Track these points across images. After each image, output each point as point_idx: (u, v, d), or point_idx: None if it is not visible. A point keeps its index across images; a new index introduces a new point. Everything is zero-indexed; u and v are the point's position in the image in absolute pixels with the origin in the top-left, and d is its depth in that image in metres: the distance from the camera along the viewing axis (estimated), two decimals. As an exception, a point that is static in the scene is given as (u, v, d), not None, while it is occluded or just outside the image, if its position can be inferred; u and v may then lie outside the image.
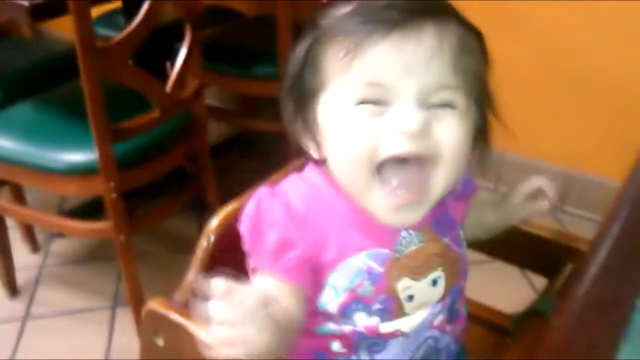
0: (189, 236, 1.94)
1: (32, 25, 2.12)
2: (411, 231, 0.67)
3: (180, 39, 1.52)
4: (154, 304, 0.68)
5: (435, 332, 0.71)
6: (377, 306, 0.66)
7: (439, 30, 0.60)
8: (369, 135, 0.60)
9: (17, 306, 1.72)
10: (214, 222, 0.73)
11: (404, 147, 0.60)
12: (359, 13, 0.62)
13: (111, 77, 1.31)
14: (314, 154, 0.67)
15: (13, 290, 1.75)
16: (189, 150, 1.62)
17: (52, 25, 2.23)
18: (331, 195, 0.66)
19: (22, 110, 1.57)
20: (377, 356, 0.70)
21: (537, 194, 0.78)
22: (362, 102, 0.61)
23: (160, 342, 0.68)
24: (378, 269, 0.65)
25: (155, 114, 1.42)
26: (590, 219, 1.88)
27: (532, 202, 0.79)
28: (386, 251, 0.66)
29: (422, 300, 0.68)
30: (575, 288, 0.63)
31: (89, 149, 1.37)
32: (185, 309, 0.68)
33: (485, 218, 0.81)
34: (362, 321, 0.67)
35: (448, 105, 0.62)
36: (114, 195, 1.39)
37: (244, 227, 0.66)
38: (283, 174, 0.73)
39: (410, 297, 0.67)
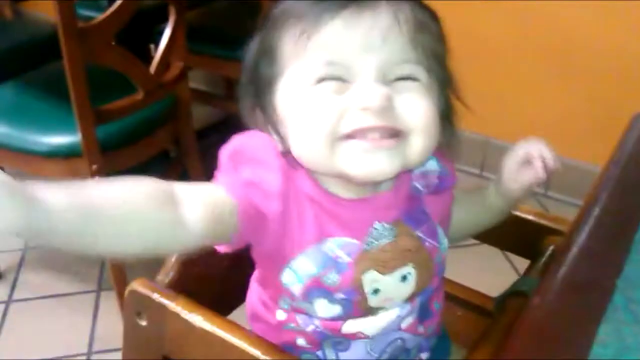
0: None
1: (12, 5, 2.10)
2: (385, 224, 0.65)
3: (163, 21, 1.51)
4: (137, 285, 0.68)
5: (404, 334, 0.70)
6: (340, 296, 0.64)
7: (394, 7, 0.59)
8: (331, 110, 0.58)
9: (0, 290, 1.71)
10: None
11: (368, 122, 0.58)
12: None
13: (94, 59, 1.30)
14: (278, 145, 0.64)
15: (-4, 274, 1.74)
16: (173, 133, 1.61)
17: (33, 5, 2.21)
18: (305, 182, 0.64)
19: (4, 92, 1.56)
20: (342, 355, 0.69)
21: (528, 162, 0.72)
22: (322, 80, 0.59)
23: (143, 322, 0.68)
24: (346, 258, 0.64)
25: (138, 96, 1.42)
26: (573, 204, 1.90)
27: (524, 172, 0.72)
28: (356, 242, 0.64)
29: (389, 296, 0.66)
30: (556, 268, 0.63)
31: (72, 132, 1.36)
32: (167, 290, 0.68)
33: (489, 202, 0.77)
34: (323, 309, 0.65)
35: (410, 78, 0.60)
36: (97, 179, 1.39)
37: (225, 151, 0.63)
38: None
39: (376, 291, 0.65)
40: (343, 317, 0.66)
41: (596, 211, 0.71)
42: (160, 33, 1.51)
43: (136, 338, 0.71)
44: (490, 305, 0.85)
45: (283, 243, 0.63)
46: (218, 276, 0.74)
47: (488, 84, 1.85)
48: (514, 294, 0.76)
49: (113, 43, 1.37)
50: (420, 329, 0.71)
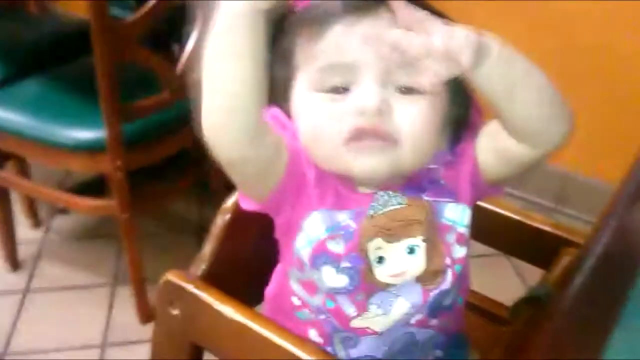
0: (188, 218, 1.98)
1: (39, 2, 2.13)
2: (389, 192, 0.67)
3: (187, 23, 1.54)
4: (171, 275, 0.71)
5: (413, 329, 0.71)
6: (345, 264, 0.66)
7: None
8: (332, 117, 0.63)
9: (18, 280, 1.74)
10: (231, 201, 0.76)
11: (362, 122, 0.61)
12: (322, 3, 0.65)
13: (124, 57, 1.33)
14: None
15: (14, 264, 1.77)
16: (196, 133, 1.64)
17: (60, 2, 2.25)
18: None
19: (33, 85, 1.59)
20: (352, 351, 0.71)
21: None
22: (325, 85, 0.63)
23: (175, 311, 0.71)
24: (353, 226, 0.66)
25: (165, 95, 1.45)
26: (587, 221, 1.91)
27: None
28: (362, 208, 0.66)
29: (396, 268, 0.67)
30: (572, 278, 0.66)
31: (97, 127, 1.39)
32: (200, 281, 0.71)
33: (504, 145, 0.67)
34: (331, 278, 0.66)
35: (414, 88, 0.62)
36: (120, 174, 1.42)
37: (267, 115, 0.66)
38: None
39: (380, 259, 0.66)
40: (352, 291, 0.67)
41: (613, 223, 0.73)
42: (186, 33, 1.54)
43: (167, 326, 0.74)
44: (504, 313, 0.88)
45: (303, 205, 0.66)
46: (248, 268, 0.77)
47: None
48: (529, 301, 0.79)
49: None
50: (433, 322, 0.72)
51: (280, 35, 0.67)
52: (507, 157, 0.67)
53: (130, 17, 1.33)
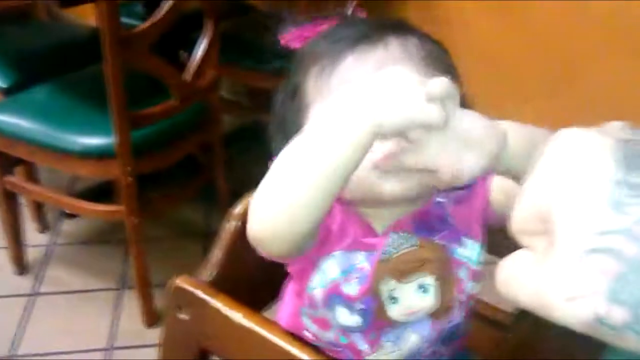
0: (195, 223, 1.99)
1: (48, 9, 2.16)
2: (401, 233, 0.66)
3: (195, 29, 1.57)
4: (181, 281, 0.72)
5: (423, 359, 0.71)
6: (359, 306, 0.66)
7: (403, 42, 0.63)
8: None
9: (25, 283, 1.76)
10: (239, 207, 0.77)
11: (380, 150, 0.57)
12: (328, 35, 0.65)
13: (134, 65, 1.35)
14: None
15: (22, 267, 1.79)
16: (202, 139, 1.66)
17: (71, 10, 2.27)
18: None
19: (43, 92, 1.61)
20: None
21: None
22: None
23: (184, 316, 0.73)
24: (367, 268, 0.65)
25: (173, 102, 1.47)
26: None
27: None
28: (376, 251, 0.66)
29: (409, 307, 0.67)
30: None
31: (106, 133, 1.41)
32: (210, 287, 0.73)
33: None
34: (344, 317, 0.67)
35: None
36: (129, 179, 1.44)
37: None
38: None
39: (394, 300, 0.66)
40: (365, 330, 0.67)
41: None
42: (191, 39, 1.57)
43: (176, 331, 0.76)
44: (507, 319, 0.89)
45: (321, 250, 0.66)
46: (257, 274, 0.78)
47: (489, 94, 1.89)
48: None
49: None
50: (443, 350, 0.73)
51: (292, 71, 0.67)
52: None
53: (141, 25, 1.35)
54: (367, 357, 0.69)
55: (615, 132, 0.41)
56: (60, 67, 1.71)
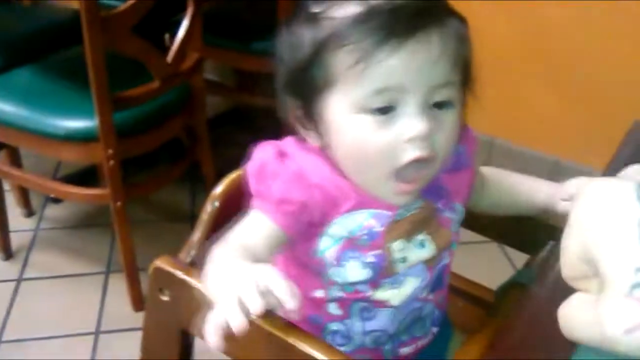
0: (181, 206, 1.99)
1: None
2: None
3: (177, 12, 1.55)
4: (161, 262, 0.72)
5: (419, 303, 0.76)
6: (370, 259, 0.69)
7: (444, 34, 0.64)
8: (384, 143, 0.64)
9: (11, 268, 1.76)
10: (219, 188, 0.77)
11: (417, 153, 0.64)
12: (366, 20, 0.63)
13: (114, 47, 1.34)
14: (313, 140, 0.69)
15: (7, 252, 1.79)
16: (186, 121, 1.65)
17: (51, -8, 2.24)
18: (335, 173, 0.69)
19: (24, 75, 1.59)
20: (368, 323, 0.74)
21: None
22: (374, 110, 0.64)
23: (165, 297, 0.72)
24: (378, 227, 0.69)
25: (155, 84, 1.45)
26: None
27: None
28: (388, 213, 0.69)
29: (412, 260, 0.72)
30: (555, 261, 0.67)
31: (89, 116, 1.40)
32: (189, 267, 0.72)
33: (530, 204, 0.84)
34: (354, 272, 0.70)
35: (448, 104, 0.65)
36: (112, 163, 1.43)
37: (250, 175, 0.69)
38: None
39: (404, 259, 0.71)
40: (371, 281, 0.71)
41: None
42: (176, 23, 1.55)
43: (158, 312, 0.75)
44: (491, 297, 0.89)
45: (323, 216, 0.69)
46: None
47: (495, 84, 1.89)
48: (514, 285, 0.80)
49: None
50: (431, 297, 0.77)
51: (318, 42, 0.65)
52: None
53: (121, 6, 1.33)
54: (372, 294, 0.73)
55: (634, 175, 0.53)
56: (42, 50, 1.69)
